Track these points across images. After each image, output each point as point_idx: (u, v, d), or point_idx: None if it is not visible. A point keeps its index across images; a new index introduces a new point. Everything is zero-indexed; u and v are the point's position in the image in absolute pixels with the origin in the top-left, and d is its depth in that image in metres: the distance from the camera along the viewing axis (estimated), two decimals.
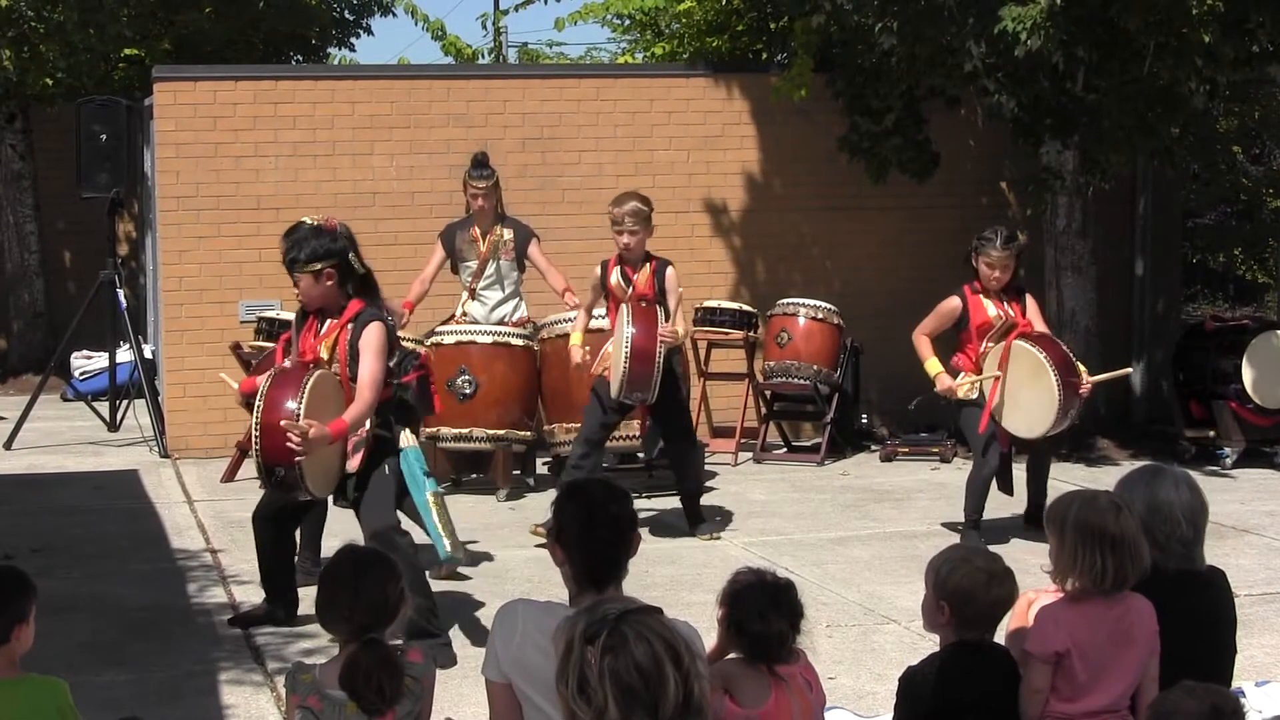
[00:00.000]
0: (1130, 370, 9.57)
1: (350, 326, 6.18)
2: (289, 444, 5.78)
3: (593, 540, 3.62)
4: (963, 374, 8.22)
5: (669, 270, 8.30)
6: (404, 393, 6.60)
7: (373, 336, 6.12)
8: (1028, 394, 8.04)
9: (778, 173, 12.29)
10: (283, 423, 5.77)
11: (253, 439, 5.91)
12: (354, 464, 6.18)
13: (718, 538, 8.51)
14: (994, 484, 8.30)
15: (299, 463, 5.84)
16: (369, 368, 6.09)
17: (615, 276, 8.32)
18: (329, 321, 6.25)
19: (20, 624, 3.71)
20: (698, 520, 8.60)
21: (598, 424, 8.31)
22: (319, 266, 6.14)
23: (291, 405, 5.84)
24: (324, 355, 6.23)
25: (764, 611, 3.71)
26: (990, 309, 8.21)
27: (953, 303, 8.26)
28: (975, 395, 8.19)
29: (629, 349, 7.93)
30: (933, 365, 8.19)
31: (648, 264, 8.29)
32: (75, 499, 9.61)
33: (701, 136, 12.13)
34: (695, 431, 8.54)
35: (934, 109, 11.56)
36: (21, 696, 3.69)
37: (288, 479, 5.92)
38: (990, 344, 8.20)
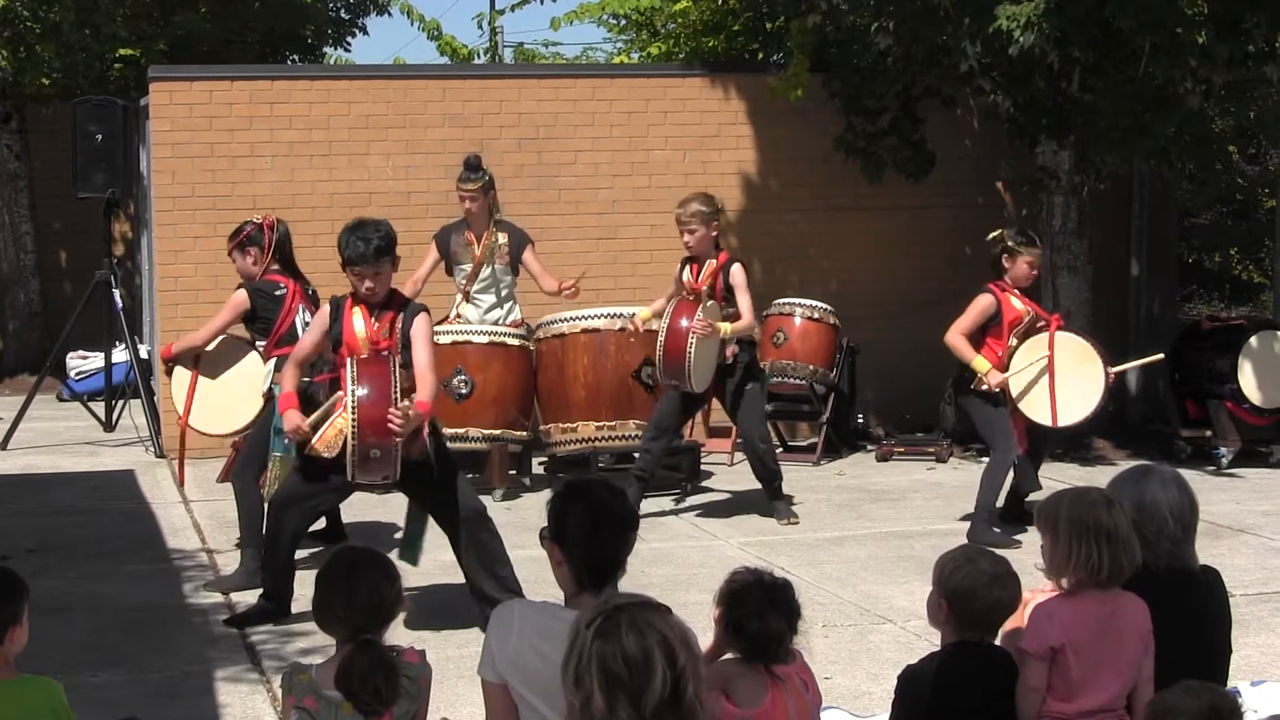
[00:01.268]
0: (1162, 356, 9.67)
1: (401, 316, 6.43)
2: (390, 425, 6.06)
3: (598, 542, 3.63)
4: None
5: (734, 267, 8.71)
6: (315, 391, 7.09)
7: (423, 325, 6.44)
8: (1072, 382, 8.39)
9: (774, 173, 12.29)
10: (391, 410, 6.05)
11: (350, 425, 6.10)
12: (418, 450, 6.36)
13: (794, 521, 8.82)
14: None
15: (397, 443, 6.10)
16: (426, 353, 6.39)
17: (686, 273, 8.81)
18: (384, 312, 6.44)
19: (13, 626, 3.70)
20: (774, 507, 8.93)
21: (669, 410, 8.78)
22: (393, 256, 6.43)
23: (387, 390, 6.13)
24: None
25: (762, 611, 3.70)
26: (1018, 304, 8.41)
27: (987, 300, 8.36)
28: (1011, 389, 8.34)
29: (663, 337, 8.44)
30: (981, 362, 8.25)
31: (715, 259, 8.71)
32: (71, 499, 9.61)
33: (698, 136, 12.13)
34: (764, 426, 9.04)
35: (930, 109, 11.57)
36: (16, 698, 3.69)
37: (382, 460, 6.16)
38: (1015, 340, 8.36)
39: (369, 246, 6.32)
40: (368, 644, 3.68)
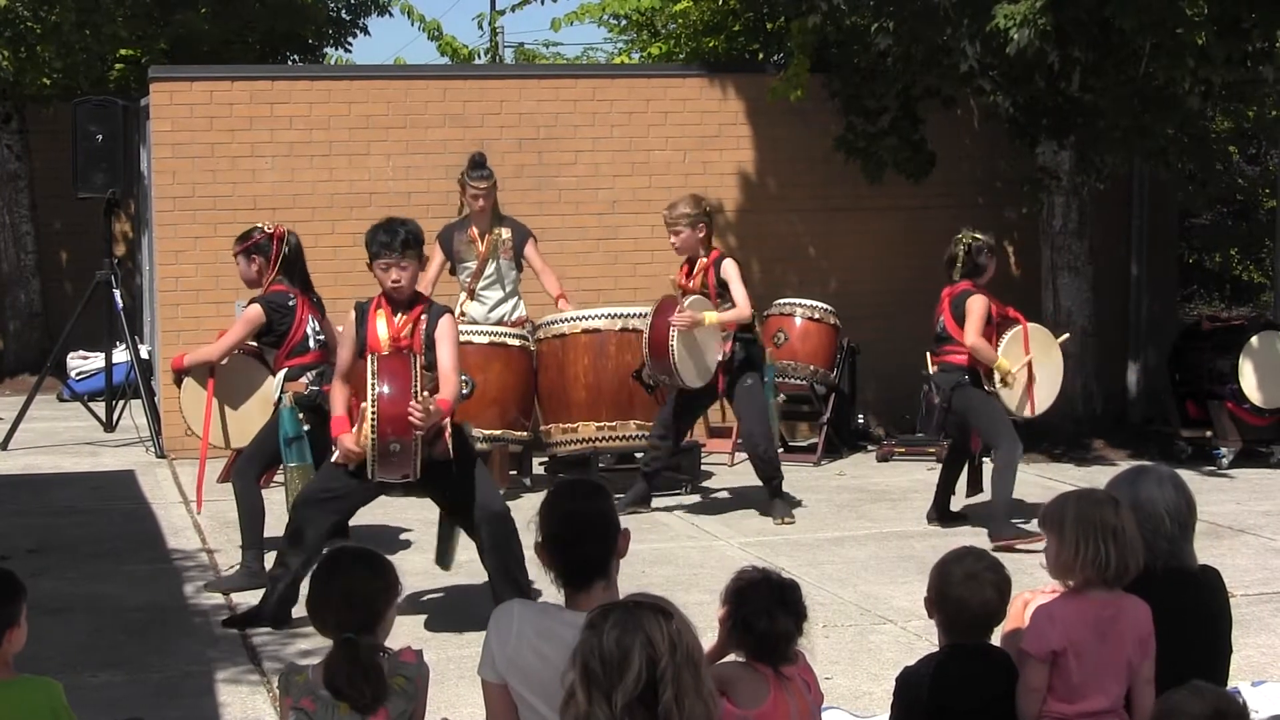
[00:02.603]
0: (1068, 335, 9.70)
1: (425, 317, 6.45)
2: (411, 419, 6.06)
3: (562, 542, 3.62)
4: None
5: (725, 262, 8.85)
6: (323, 400, 7.07)
7: (448, 326, 6.45)
8: (1041, 372, 8.53)
9: (774, 173, 12.29)
10: (411, 405, 6.05)
11: (369, 419, 6.11)
12: (441, 450, 6.37)
13: (790, 521, 8.85)
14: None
15: (416, 439, 6.10)
16: (451, 355, 6.41)
17: (682, 274, 9.02)
18: (403, 313, 6.46)
19: (11, 627, 3.70)
20: (772, 505, 8.97)
21: (670, 410, 8.99)
22: (421, 250, 6.47)
23: (406, 386, 6.13)
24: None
25: (771, 610, 3.69)
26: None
27: (984, 302, 8.39)
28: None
29: (647, 334, 8.63)
30: (1004, 363, 8.34)
31: (705, 258, 8.84)
32: (72, 499, 9.61)
33: (698, 137, 12.14)
34: (756, 423, 8.94)
35: (930, 109, 11.56)
36: (15, 698, 3.68)
37: (402, 456, 6.15)
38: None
39: (394, 238, 6.38)
40: (347, 643, 3.67)
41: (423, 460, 6.27)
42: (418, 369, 6.21)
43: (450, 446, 6.38)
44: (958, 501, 8.89)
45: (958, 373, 8.41)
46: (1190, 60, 9.77)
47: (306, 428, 7.20)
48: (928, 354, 8.67)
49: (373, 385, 6.14)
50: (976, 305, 8.35)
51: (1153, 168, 12.01)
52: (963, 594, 3.93)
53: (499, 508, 6.58)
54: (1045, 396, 8.64)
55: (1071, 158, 11.27)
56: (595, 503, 3.71)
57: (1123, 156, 11.14)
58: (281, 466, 7.34)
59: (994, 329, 8.40)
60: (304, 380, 7.35)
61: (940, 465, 9.12)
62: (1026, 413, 8.52)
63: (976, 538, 7.97)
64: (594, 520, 3.66)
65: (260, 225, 7.74)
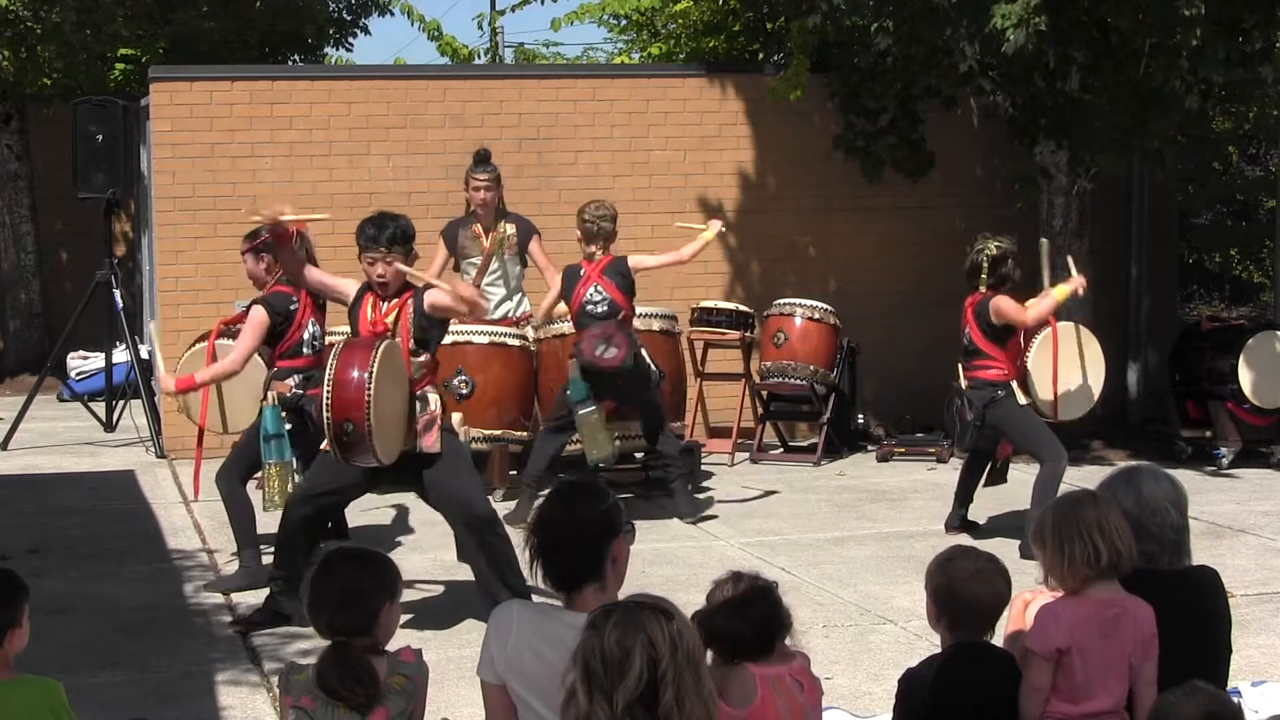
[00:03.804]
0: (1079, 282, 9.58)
1: (411, 301, 6.49)
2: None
3: (561, 542, 3.62)
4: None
5: (566, 269, 8.99)
6: (307, 403, 7.16)
7: (438, 292, 6.51)
8: (1077, 373, 8.40)
9: (774, 173, 12.29)
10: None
11: (324, 398, 6.11)
12: (429, 442, 6.40)
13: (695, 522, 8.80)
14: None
15: (369, 425, 6.03)
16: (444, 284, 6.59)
17: None
18: (393, 300, 6.51)
19: (12, 629, 3.70)
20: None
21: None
22: (410, 247, 6.55)
23: (362, 368, 6.10)
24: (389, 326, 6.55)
25: (729, 617, 3.70)
26: None
27: (1011, 299, 8.16)
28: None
29: None
30: (1062, 289, 8.26)
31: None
32: (72, 499, 9.61)
33: (698, 137, 12.13)
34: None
35: (930, 109, 11.56)
36: (16, 698, 3.69)
37: (356, 438, 6.10)
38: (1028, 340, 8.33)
39: (381, 232, 6.45)
40: (337, 646, 3.67)
41: (406, 450, 6.31)
42: (380, 353, 6.14)
43: (438, 440, 6.39)
44: (982, 508, 8.75)
45: (990, 388, 8.10)
46: (1185, 61, 9.75)
47: (289, 426, 7.19)
48: (959, 366, 8.35)
49: (331, 365, 6.16)
50: (1007, 301, 8.07)
51: (1149, 168, 12.00)
52: (976, 590, 3.94)
53: (484, 510, 6.57)
54: (1082, 396, 8.45)
55: (1068, 157, 11.26)
56: (592, 505, 3.69)
57: (1119, 157, 11.12)
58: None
59: (1019, 334, 8.19)
60: (289, 382, 7.35)
61: (948, 467, 9.05)
62: (1075, 415, 8.38)
63: (1001, 547, 7.89)
64: (589, 523, 3.65)
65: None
